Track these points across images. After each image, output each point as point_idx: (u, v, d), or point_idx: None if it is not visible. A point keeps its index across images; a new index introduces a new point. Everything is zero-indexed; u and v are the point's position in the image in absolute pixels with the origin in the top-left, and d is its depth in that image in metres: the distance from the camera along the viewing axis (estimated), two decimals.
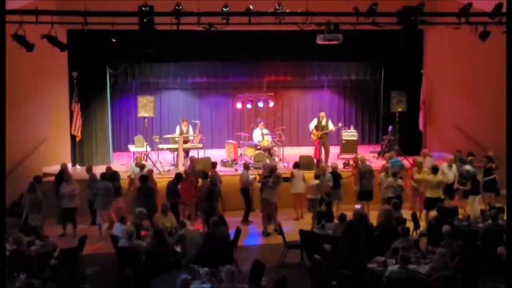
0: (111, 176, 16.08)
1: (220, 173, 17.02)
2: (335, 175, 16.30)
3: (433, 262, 10.26)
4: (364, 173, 16.36)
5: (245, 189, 16.46)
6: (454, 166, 16.35)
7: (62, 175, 15.98)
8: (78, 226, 15.55)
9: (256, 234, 15.62)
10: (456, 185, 16.29)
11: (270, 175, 15.58)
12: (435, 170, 15.66)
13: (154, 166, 18.02)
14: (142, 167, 16.53)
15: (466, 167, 16.11)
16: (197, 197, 15.49)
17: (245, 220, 16.24)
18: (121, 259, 11.93)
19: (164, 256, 11.10)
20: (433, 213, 14.17)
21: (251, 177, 16.66)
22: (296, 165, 16.70)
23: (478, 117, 19.47)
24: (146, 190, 14.97)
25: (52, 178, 16.63)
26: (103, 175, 15.74)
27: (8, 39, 12.36)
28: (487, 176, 16.19)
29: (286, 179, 16.34)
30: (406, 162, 18.64)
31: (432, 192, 15.44)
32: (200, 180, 15.99)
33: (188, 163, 17.83)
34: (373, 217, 14.06)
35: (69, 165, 19.38)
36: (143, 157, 18.30)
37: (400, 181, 15.62)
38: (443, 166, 16.41)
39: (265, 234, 15.43)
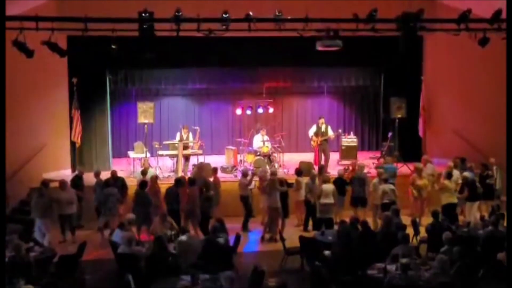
0: (116, 181, 16.11)
1: (221, 179, 17.03)
2: (341, 181, 16.29)
3: (433, 268, 10.27)
4: (355, 180, 16.38)
5: (244, 196, 16.45)
6: (455, 172, 16.24)
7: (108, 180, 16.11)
8: (81, 231, 15.60)
9: (255, 241, 15.62)
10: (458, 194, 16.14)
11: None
12: (449, 175, 15.63)
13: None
14: (143, 173, 16.54)
15: (464, 173, 16.10)
16: (187, 203, 15.41)
17: (245, 227, 16.21)
18: (121, 265, 11.93)
19: (164, 262, 11.10)
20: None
21: (251, 185, 16.70)
22: (299, 173, 16.67)
23: (478, 123, 19.48)
24: (143, 197, 14.96)
25: (54, 184, 16.65)
26: (107, 181, 15.77)
27: (8, 45, 12.37)
28: (482, 183, 16.15)
29: (289, 185, 16.29)
30: (406, 168, 18.65)
31: (451, 198, 15.42)
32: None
33: (190, 168, 17.82)
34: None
35: (69, 171, 19.42)
36: (148, 162, 18.20)
37: (392, 186, 15.61)
38: (442, 173, 16.39)
39: (268, 239, 15.49)
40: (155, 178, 16.09)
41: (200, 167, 17.21)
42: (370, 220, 15.51)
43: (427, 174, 16.82)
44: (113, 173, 16.56)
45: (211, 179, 16.60)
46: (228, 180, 17.99)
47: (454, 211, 15.26)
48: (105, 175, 16.65)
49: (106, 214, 15.32)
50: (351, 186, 16.40)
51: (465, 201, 15.89)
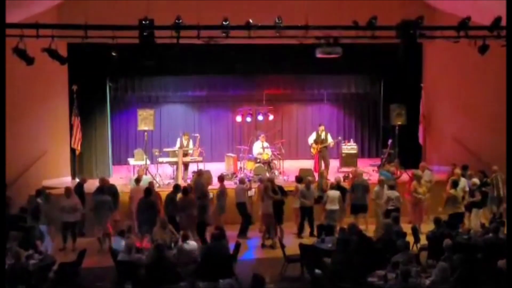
0: (109, 189, 16.09)
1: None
2: (340, 188, 16.29)
3: (434, 276, 10.25)
4: (356, 187, 16.39)
5: (241, 203, 16.45)
6: (463, 180, 16.22)
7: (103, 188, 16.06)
8: (82, 239, 15.61)
9: (255, 248, 15.60)
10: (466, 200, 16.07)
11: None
12: (456, 184, 15.63)
13: (154, 179, 17.95)
14: (137, 180, 16.53)
15: (473, 180, 16.08)
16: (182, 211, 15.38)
17: (243, 234, 16.18)
18: (121, 273, 11.91)
19: (163, 270, 11.08)
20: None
21: (251, 191, 16.70)
22: (299, 180, 16.67)
23: (478, 130, 19.47)
24: (148, 204, 14.95)
25: (54, 191, 16.66)
26: (101, 188, 15.77)
27: (8, 53, 12.37)
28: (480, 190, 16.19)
29: (284, 193, 16.24)
30: (406, 175, 18.62)
31: (458, 208, 15.39)
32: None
33: (190, 175, 17.82)
34: (370, 231, 14.15)
35: (69, 178, 19.41)
36: (144, 170, 18.21)
37: (397, 193, 15.62)
38: (449, 182, 16.37)
39: (269, 245, 15.53)
40: (152, 185, 16.07)
41: (199, 174, 17.20)
42: (373, 228, 15.60)
43: (424, 181, 16.85)
44: (106, 181, 16.50)
45: (218, 187, 16.63)
46: (228, 187, 17.91)
47: (460, 220, 15.25)
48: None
49: (100, 222, 15.33)
50: (352, 193, 16.40)
51: (471, 208, 15.93)
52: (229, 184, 18.41)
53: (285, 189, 16.29)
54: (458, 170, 16.70)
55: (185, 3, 15.81)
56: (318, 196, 16.29)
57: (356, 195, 16.32)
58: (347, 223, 14.68)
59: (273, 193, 15.59)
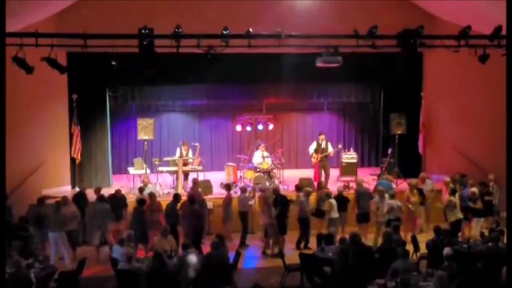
0: (120, 199, 16.15)
1: (220, 196, 17.02)
2: (341, 198, 16.28)
3: (433, 284, 10.22)
4: (362, 195, 16.36)
5: (243, 212, 16.42)
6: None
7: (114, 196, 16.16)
8: (83, 248, 15.61)
9: (255, 257, 15.56)
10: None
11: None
12: (454, 192, 15.66)
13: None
14: (140, 190, 16.51)
15: (473, 189, 16.07)
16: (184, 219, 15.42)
17: (243, 244, 16.15)
18: (121, 282, 11.88)
19: (164, 279, 11.06)
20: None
21: (251, 201, 16.69)
22: (299, 189, 16.64)
23: (478, 140, 19.45)
24: (141, 214, 14.94)
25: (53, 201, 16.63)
26: (100, 197, 15.76)
27: (7, 62, 12.37)
28: (482, 200, 16.17)
29: (285, 203, 16.21)
30: (406, 184, 18.61)
31: (458, 214, 15.42)
32: None
33: (190, 184, 17.83)
34: (369, 240, 14.11)
35: (69, 188, 19.39)
36: (148, 178, 18.17)
37: (399, 203, 15.61)
38: (447, 189, 16.38)
39: (270, 255, 15.53)
40: (154, 195, 16.03)
41: (194, 183, 17.18)
42: (371, 237, 15.57)
43: (426, 190, 16.90)
44: (118, 191, 16.58)
45: (226, 196, 16.73)
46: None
47: (460, 227, 15.26)
48: (105, 191, 16.60)
49: (101, 229, 15.31)
50: (358, 202, 16.38)
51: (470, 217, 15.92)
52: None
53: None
54: (447, 179, 16.77)
55: (185, 12, 15.87)
56: (317, 208, 16.24)
57: (362, 204, 16.29)
58: (348, 232, 14.69)
59: (273, 204, 15.59)
